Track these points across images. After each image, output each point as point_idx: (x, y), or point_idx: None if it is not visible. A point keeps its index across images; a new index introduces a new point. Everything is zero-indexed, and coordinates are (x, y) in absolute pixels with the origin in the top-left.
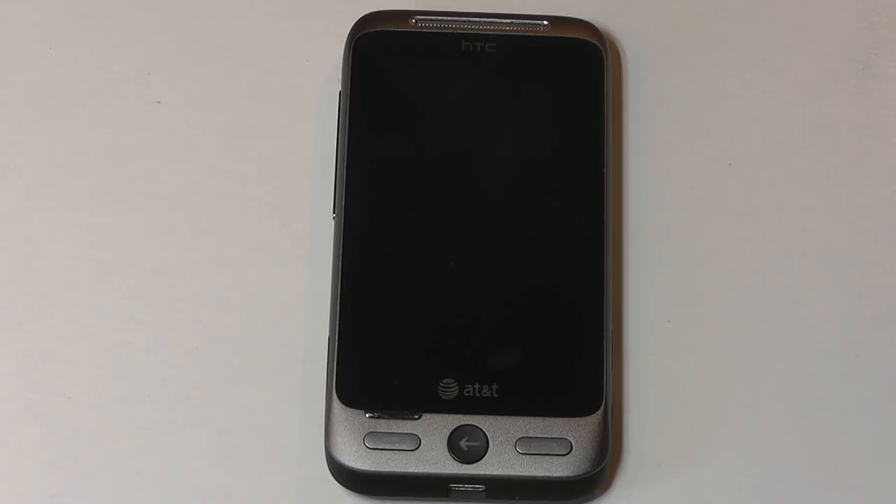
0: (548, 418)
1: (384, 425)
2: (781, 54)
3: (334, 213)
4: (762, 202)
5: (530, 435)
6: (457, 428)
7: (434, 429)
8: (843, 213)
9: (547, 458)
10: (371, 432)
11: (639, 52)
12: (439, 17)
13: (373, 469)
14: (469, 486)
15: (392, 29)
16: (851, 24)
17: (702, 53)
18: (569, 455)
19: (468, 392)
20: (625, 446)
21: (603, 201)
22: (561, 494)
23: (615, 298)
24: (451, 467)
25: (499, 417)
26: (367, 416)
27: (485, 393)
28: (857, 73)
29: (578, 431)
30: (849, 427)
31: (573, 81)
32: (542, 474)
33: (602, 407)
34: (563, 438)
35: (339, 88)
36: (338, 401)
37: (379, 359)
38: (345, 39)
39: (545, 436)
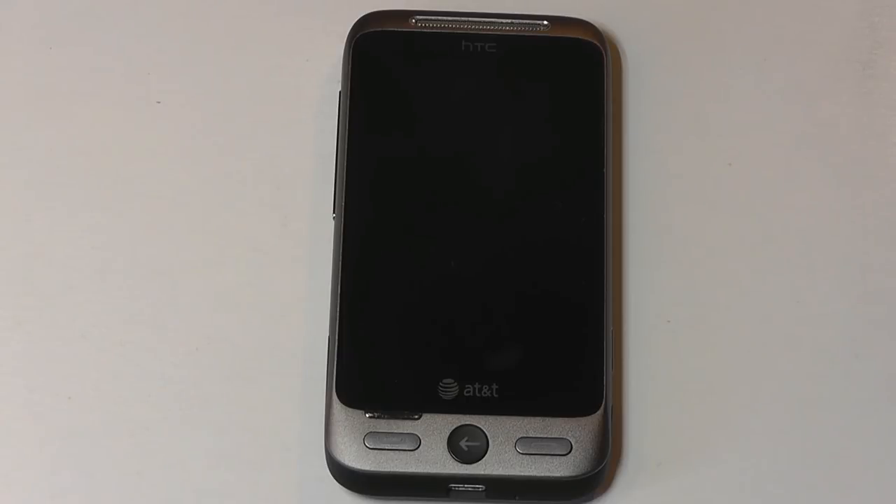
0: (548, 418)
1: (384, 425)
2: (781, 54)
3: (334, 213)
4: (762, 202)
5: (530, 435)
6: (457, 428)
7: (434, 429)
8: (843, 213)
9: (547, 458)
10: (371, 432)
11: (639, 52)
12: (439, 17)
13: (373, 469)
14: (469, 486)
15: (392, 29)
16: (851, 24)
17: (702, 53)
18: (569, 455)
19: (468, 392)
20: (625, 446)
21: (603, 201)
22: (561, 494)
23: (615, 298)
24: (451, 467)
25: (499, 417)
26: (367, 416)
27: (485, 393)
28: (857, 73)
29: (578, 431)
30: (849, 427)
31: (573, 81)
32: (542, 474)
33: (602, 407)
34: (563, 438)
35: (339, 88)
36: (338, 401)
37: (379, 359)
38: (345, 39)
39: (545, 436)
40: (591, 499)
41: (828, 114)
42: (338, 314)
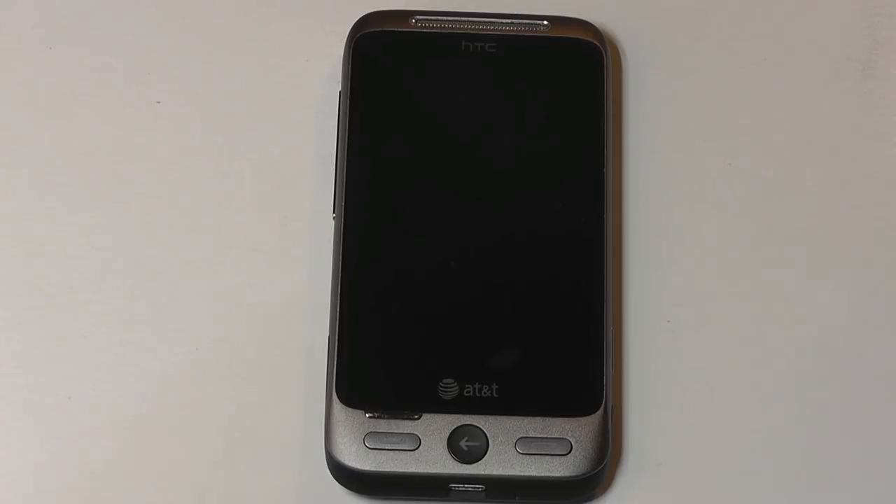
0: (548, 418)
1: (384, 425)
2: (781, 54)
3: (334, 212)
4: (762, 202)
5: (530, 435)
6: (457, 428)
7: (434, 429)
8: (843, 213)
9: (547, 458)
10: (371, 432)
11: (639, 52)
12: (439, 17)
13: (373, 469)
14: (469, 486)
15: (392, 29)
16: (851, 24)
17: (702, 53)
18: (569, 455)
19: (468, 392)
20: (625, 446)
21: (603, 201)
22: (561, 494)
23: (615, 298)
24: (451, 467)
25: (499, 417)
26: (367, 416)
27: (485, 393)
28: (857, 73)
29: (578, 431)
30: (849, 427)
31: (573, 81)
32: (542, 474)
33: (602, 407)
34: (563, 438)
35: (339, 88)
36: (338, 401)
37: (379, 359)
38: (345, 39)
39: (545, 436)
40: (591, 498)
41: (828, 114)
42: (338, 314)
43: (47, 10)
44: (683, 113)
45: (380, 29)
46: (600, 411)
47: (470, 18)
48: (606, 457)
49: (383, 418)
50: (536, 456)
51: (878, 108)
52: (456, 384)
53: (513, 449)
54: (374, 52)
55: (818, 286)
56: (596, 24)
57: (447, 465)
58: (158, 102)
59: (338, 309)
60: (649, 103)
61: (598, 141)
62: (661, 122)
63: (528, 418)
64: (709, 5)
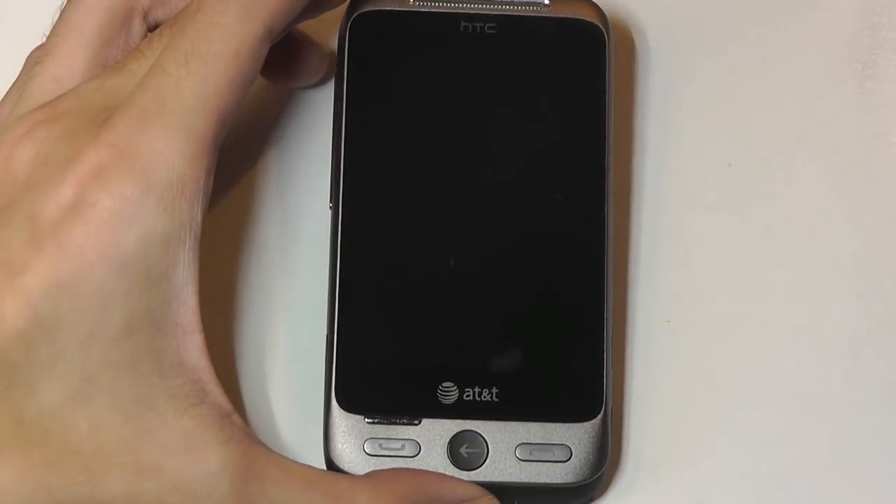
0: (548, 424)
1: (384, 431)
2: (781, 54)
3: (330, 202)
4: (762, 202)
5: (530, 441)
6: (457, 434)
7: (434, 434)
8: (843, 213)
9: (547, 464)
10: (371, 438)
11: (639, 50)
12: None
13: None
14: None
15: (389, 8)
16: (851, 24)
17: (702, 53)
18: (568, 462)
19: (468, 396)
20: (624, 447)
21: (604, 198)
22: (560, 500)
23: (615, 299)
24: (451, 474)
25: (499, 423)
26: (367, 421)
27: (485, 397)
28: (857, 73)
29: (578, 437)
30: (849, 427)
31: (573, 64)
32: (542, 481)
33: (602, 412)
34: (562, 444)
35: (336, 71)
36: (337, 406)
37: (378, 363)
38: (340, 20)
39: (545, 441)
40: (590, 502)
41: (828, 114)
42: (335, 317)
43: (47, 10)
44: (683, 113)
45: (376, 9)
46: (600, 416)
47: None
48: (606, 462)
49: (383, 424)
50: (536, 462)
51: (878, 108)
52: (456, 388)
53: (513, 455)
54: (371, 33)
55: (818, 286)
56: (602, 5)
57: (447, 472)
58: None
59: (335, 311)
60: (651, 98)
61: (599, 131)
62: (661, 122)
63: (528, 424)
64: (708, 5)
